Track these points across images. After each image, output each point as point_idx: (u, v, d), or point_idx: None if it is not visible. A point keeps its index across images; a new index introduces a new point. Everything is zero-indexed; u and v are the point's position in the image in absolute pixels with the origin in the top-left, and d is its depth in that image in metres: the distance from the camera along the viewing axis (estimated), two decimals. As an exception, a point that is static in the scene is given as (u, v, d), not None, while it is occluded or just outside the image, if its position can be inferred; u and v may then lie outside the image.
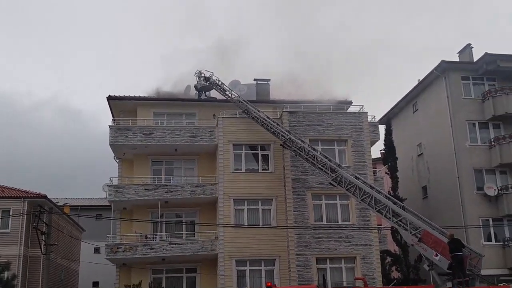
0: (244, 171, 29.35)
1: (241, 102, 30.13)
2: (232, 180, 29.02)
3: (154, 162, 31.75)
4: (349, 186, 24.87)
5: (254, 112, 29.23)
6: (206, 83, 32.25)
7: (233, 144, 29.70)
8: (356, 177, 25.74)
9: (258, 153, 30.14)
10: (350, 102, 33.53)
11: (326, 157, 26.48)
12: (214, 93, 33.77)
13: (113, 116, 33.49)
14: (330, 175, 24.84)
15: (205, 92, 32.92)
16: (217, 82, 31.84)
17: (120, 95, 32.64)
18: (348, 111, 32.16)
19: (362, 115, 31.46)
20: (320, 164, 25.80)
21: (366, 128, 31.14)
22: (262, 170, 29.68)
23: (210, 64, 36.05)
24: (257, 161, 29.73)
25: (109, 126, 30.81)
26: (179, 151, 31.13)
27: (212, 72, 32.21)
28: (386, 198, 24.27)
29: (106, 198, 30.22)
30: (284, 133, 27.83)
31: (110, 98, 32.59)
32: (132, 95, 32.98)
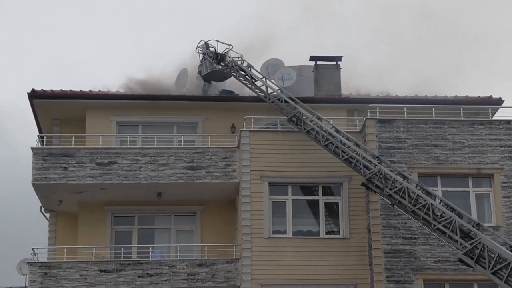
0: (291, 236, 20.95)
1: (287, 102, 21.32)
2: (267, 255, 20.53)
3: (118, 219, 23.22)
4: None
5: (313, 122, 20.76)
6: (218, 66, 23.08)
7: (270, 184, 21.14)
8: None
9: (318, 200, 21.33)
10: (499, 102, 23.59)
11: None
12: (233, 84, 24.26)
13: (39, 131, 24.33)
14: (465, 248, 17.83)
15: (216, 82, 24.22)
16: (240, 62, 22.40)
17: (54, 89, 23.53)
18: (495, 118, 22.30)
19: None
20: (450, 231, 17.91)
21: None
22: (327, 234, 21.22)
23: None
24: (317, 217, 21.22)
25: (32, 148, 22.10)
26: (166, 198, 22.55)
27: (229, 45, 22.55)
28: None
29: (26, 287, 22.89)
30: (371, 161, 19.67)
31: (34, 96, 23.07)
32: (75, 89, 23.89)
